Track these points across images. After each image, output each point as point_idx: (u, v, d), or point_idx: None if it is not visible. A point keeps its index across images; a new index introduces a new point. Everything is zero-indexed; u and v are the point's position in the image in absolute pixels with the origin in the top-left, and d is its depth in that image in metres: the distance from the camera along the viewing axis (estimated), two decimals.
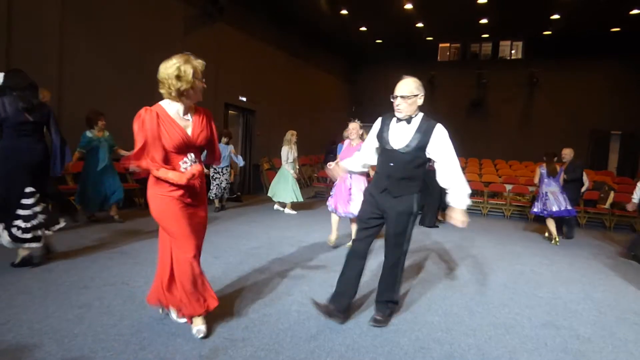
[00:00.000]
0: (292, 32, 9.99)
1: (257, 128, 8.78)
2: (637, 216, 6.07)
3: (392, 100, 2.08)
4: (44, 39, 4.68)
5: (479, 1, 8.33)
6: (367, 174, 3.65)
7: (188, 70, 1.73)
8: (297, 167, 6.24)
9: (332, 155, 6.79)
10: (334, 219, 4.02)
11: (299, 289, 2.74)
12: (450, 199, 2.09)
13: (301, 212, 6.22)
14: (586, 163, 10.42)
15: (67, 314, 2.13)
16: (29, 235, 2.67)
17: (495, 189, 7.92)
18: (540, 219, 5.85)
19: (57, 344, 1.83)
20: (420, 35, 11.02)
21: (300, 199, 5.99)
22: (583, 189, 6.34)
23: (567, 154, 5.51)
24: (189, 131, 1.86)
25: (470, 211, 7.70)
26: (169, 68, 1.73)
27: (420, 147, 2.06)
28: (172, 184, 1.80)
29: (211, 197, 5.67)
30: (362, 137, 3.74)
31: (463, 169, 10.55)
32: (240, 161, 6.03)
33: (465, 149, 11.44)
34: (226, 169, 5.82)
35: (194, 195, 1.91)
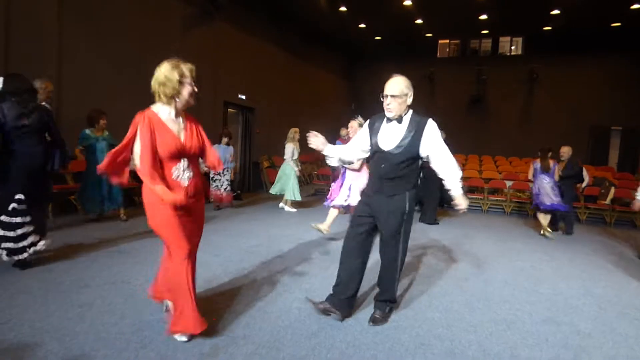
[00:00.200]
0: (291, 30, 9.96)
1: (256, 126, 8.77)
2: None
3: (382, 99, 2.07)
4: (43, 39, 4.67)
5: None
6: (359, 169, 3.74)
7: (174, 76, 1.76)
8: (299, 164, 6.25)
9: None
10: (333, 213, 4.11)
11: (299, 286, 2.74)
12: (450, 187, 2.14)
13: (301, 210, 6.22)
14: (586, 159, 10.42)
15: (68, 313, 2.13)
16: (21, 244, 2.64)
17: (495, 185, 7.91)
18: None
19: (59, 342, 1.83)
20: (419, 32, 10.97)
21: (299, 198, 5.96)
22: (583, 185, 6.34)
23: (566, 152, 5.52)
24: (182, 136, 1.86)
25: (471, 208, 7.73)
26: (157, 74, 1.78)
27: (413, 145, 2.06)
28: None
29: (211, 200, 5.65)
30: None
31: (463, 165, 10.56)
32: (231, 164, 5.93)
33: (465, 146, 11.44)
34: (226, 170, 5.74)
35: (190, 200, 1.89)
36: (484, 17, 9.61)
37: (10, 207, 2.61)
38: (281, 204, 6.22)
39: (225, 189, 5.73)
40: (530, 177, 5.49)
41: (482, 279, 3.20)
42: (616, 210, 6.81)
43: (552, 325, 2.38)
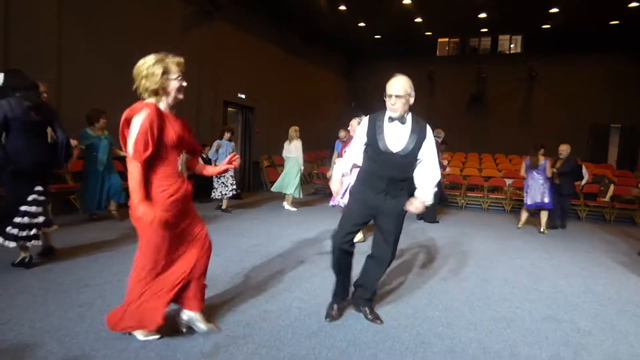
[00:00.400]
0: (291, 29, 9.95)
1: (256, 125, 8.76)
2: None
3: (385, 99, 2.05)
4: (43, 40, 4.67)
5: None
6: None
7: (157, 71, 1.68)
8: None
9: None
10: None
11: (300, 285, 2.74)
12: (419, 190, 2.12)
13: (301, 209, 6.22)
14: (586, 157, 10.43)
15: (68, 313, 2.13)
16: (24, 233, 2.66)
17: (495, 183, 7.92)
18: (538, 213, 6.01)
19: (59, 342, 1.83)
20: (419, 31, 10.96)
21: (300, 196, 6.03)
22: (583, 183, 6.36)
23: (564, 150, 5.54)
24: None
25: (471, 206, 7.75)
26: (139, 67, 1.70)
27: (417, 148, 2.07)
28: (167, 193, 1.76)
29: (217, 197, 5.53)
30: None
31: (462, 164, 10.54)
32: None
33: (464, 144, 11.44)
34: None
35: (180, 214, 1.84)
36: (483, 15, 9.60)
37: (30, 198, 2.65)
38: (284, 203, 6.23)
39: (231, 184, 5.53)
40: (522, 173, 5.56)
41: (482, 277, 3.20)
42: (615, 208, 6.82)
43: (552, 322, 2.38)
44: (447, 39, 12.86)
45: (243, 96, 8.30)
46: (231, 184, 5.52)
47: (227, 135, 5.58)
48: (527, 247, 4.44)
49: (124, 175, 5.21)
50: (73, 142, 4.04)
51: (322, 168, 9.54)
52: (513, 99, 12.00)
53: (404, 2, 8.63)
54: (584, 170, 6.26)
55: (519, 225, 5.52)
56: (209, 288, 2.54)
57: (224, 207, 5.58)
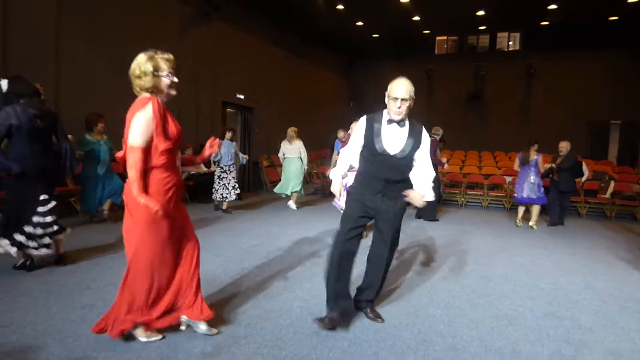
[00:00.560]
0: (289, 29, 9.94)
1: (255, 125, 8.76)
2: None
3: (390, 102, 2.02)
4: (42, 40, 4.68)
5: None
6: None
7: (148, 69, 1.70)
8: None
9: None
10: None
11: (301, 285, 2.74)
12: (417, 187, 2.12)
13: (301, 209, 6.23)
14: (586, 153, 10.42)
15: (70, 315, 2.13)
16: (34, 244, 2.67)
17: (495, 181, 7.91)
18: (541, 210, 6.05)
19: (61, 344, 1.83)
20: (417, 29, 10.95)
21: (302, 192, 6.18)
22: (583, 179, 6.36)
23: (564, 147, 5.57)
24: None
25: (471, 204, 7.74)
26: (133, 68, 1.73)
27: (413, 151, 2.08)
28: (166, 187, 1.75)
29: (217, 199, 5.48)
30: None
31: (462, 162, 10.51)
32: (242, 160, 5.92)
33: (464, 142, 11.43)
34: (233, 167, 5.54)
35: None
36: (481, 13, 9.59)
37: (38, 209, 2.66)
38: (290, 202, 6.23)
39: (233, 187, 5.49)
40: (515, 167, 5.67)
41: (483, 275, 3.20)
42: (616, 204, 6.82)
43: (553, 320, 2.38)
44: (445, 37, 12.84)
45: (242, 96, 8.29)
46: (233, 187, 5.47)
47: (228, 134, 5.53)
48: (526, 244, 4.44)
49: (123, 176, 5.26)
50: (77, 154, 4.07)
51: (322, 167, 9.55)
52: (512, 96, 11.99)
53: (401, 0, 8.62)
54: (584, 167, 6.25)
55: (517, 221, 5.56)
56: (210, 288, 2.56)
57: (224, 207, 5.56)
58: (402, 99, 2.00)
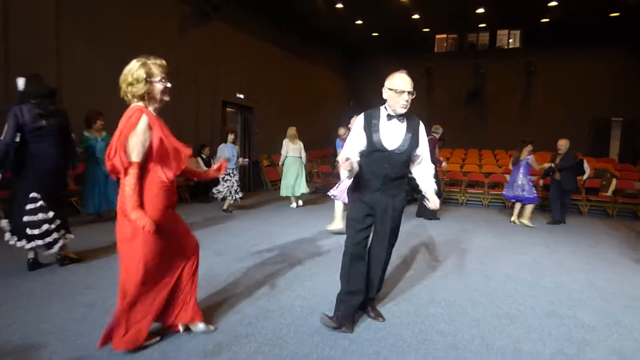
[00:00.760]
0: (289, 29, 9.92)
1: (255, 125, 8.76)
2: None
3: (394, 96, 1.99)
4: (43, 40, 4.70)
5: None
6: None
7: (140, 75, 1.68)
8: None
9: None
10: (339, 210, 4.22)
11: (301, 284, 2.74)
12: (425, 187, 2.18)
13: (302, 208, 6.23)
14: (587, 151, 10.39)
15: (71, 314, 2.14)
16: (39, 239, 2.69)
17: (495, 179, 7.90)
18: (541, 208, 6.03)
19: (63, 343, 1.84)
20: (416, 27, 10.92)
21: (308, 190, 6.30)
22: (584, 177, 6.34)
23: (563, 145, 5.58)
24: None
25: (472, 203, 7.73)
26: (125, 75, 1.71)
27: (413, 145, 2.07)
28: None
29: (219, 198, 5.48)
30: None
31: (462, 160, 10.47)
32: (245, 162, 5.93)
33: (464, 140, 11.40)
34: (236, 170, 5.54)
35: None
36: (481, 10, 9.56)
37: (27, 207, 2.67)
38: (294, 204, 6.25)
39: (235, 190, 5.48)
40: (510, 166, 5.75)
41: (484, 273, 3.20)
42: (618, 202, 6.79)
43: (555, 318, 2.37)
44: (444, 35, 12.80)
45: (242, 96, 8.29)
46: (235, 191, 5.47)
47: (230, 137, 5.51)
48: (528, 243, 4.43)
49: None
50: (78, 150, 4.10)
51: (322, 167, 9.54)
52: (512, 94, 11.95)
53: None
54: (586, 165, 6.24)
55: (514, 219, 5.60)
56: (210, 288, 2.56)
57: (224, 207, 5.56)
58: (409, 92, 1.99)
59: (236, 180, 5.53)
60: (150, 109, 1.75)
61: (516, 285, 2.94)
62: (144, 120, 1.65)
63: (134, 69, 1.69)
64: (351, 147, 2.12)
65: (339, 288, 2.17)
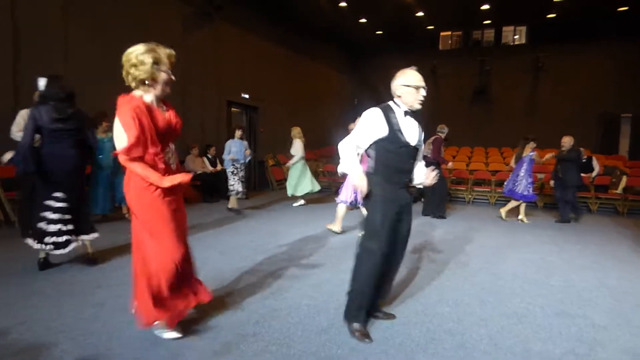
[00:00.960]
0: (293, 28, 9.93)
1: (260, 125, 8.79)
2: None
3: (410, 91, 1.96)
4: (51, 40, 4.83)
5: None
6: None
7: (147, 60, 1.64)
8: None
9: None
10: (341, 210, 4.20)
11: (308, 282, 2.74)
12: (419, 172, 2.15)
13: (307, 207, 6.23)
14: (596, 148, 10.22)
15: (82, 313, 2.16)
16: (51, 238, 2.72)
17: (502, 177, 7.81)
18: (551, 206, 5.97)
19: (73, 342, 1.86)
20: (420, 25, 10.85)
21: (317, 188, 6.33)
22: (593, 175, 6.24)
23: (566, 142, 5.54)
24: (167, 116, 1.81)
25: (478, 201, 7.66)
26: (128, 54, 1.68)
27: (422, 140, 2.10)
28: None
29: (231, 195, 5.46)
30: None
31: (468, 158, 10.37)
32: (248, 157, 5.96)
33: (470, 138, 11.30)
34: (244, 165, 5.54)
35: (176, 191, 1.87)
36: (485, 7, 9.45)
37: (45, 207, 2.72)
38: (296, 204, 6.25)
39: (240, 187, 5.47)
40: (512, 164, 5.75)
41: (492, 272, 3.17)
42: (628, 200, 6.68)
43: (565, 318, 2.34)
44: (449, 33, 12.70)
45: (247, 96, 8.32)
46: (243, 186, 5.52)
47: (238, 133, 5.50)
48: (536, 241, 4.38)
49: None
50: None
51: (327, 166, 9.53)
52: (519, 91, 11.81)
53: None
54: (595, 162, 6.14)
55: (519, 218, 5.58)
56: (217, 286, 2.58)
57: (229, 206, 5.57)
58: (424, 87, 2.00)
59: (242, 175, 5.52)
60: (150, 97, 1.73)
61: (524, 284, 2.91)
62: (126, 108, 1.66)
63: (139, 50, 1.67)
64: (364, 137, 1.97)
65: (346, 287, 2.11)
